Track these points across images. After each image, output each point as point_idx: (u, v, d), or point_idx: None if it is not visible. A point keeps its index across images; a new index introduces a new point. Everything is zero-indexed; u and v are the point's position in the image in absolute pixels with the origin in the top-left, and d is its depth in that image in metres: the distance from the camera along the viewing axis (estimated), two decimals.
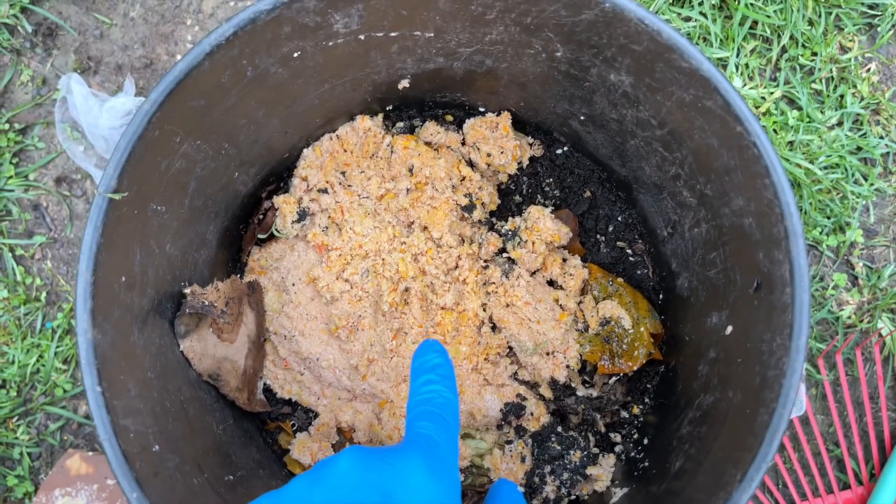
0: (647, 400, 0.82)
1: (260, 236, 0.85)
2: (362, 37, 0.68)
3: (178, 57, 1.11)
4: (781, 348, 0.56)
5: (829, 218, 1.10)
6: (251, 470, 0.73)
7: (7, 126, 1.10)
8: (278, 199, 0.84)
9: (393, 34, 0.69)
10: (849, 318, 1.10)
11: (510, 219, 0.86)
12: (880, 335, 1.06)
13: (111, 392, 0.54)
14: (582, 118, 0.79)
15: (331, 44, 0.66)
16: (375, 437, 0.81)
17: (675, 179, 0.71)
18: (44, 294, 1.07)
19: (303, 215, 0.84)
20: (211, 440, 0.69)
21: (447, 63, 0.76)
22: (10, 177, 1.09)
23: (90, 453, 0.99)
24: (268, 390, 0.85)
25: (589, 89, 0.72)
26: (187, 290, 0.71)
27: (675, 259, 0.79)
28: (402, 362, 0.81)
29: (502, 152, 0.86)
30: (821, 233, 1.10)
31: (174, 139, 0.61)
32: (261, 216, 0.85)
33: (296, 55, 0.65)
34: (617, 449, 0.81)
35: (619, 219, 0.88)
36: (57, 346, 1.05)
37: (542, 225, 0.83)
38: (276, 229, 0.85)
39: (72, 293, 1.08)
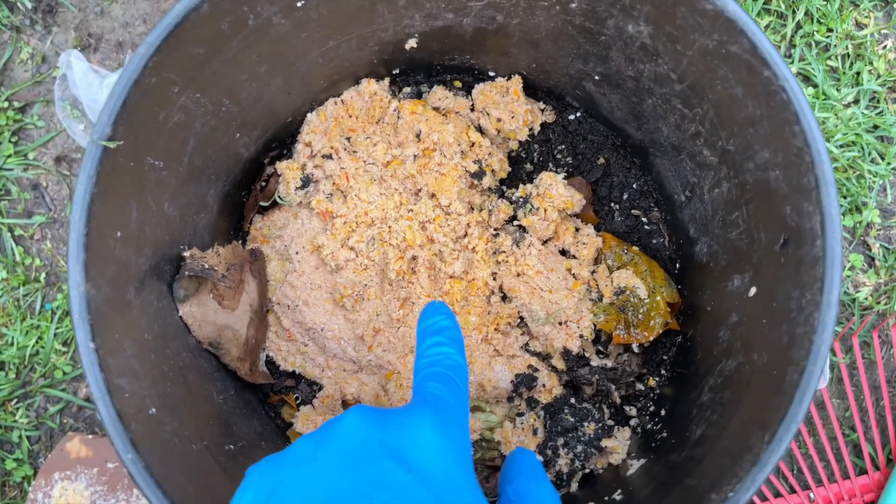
0: (663, 371, 0.79)
1: (262, 203, 0.82)
2: None
3: None
4: (812, 304, 0.53)
5: (845, 198, 1.07)
6: (253, 441, 0.70)
7: (6, 104, 1.08)
8: (281, 165, 0.81)
9: None
10: (865, 299, 1.07)
11: (521, 186, 0.84)
12: None
13: (105, 349, 0.51)
14: (597, 78, 0.76)
15: None
16: None
17: (694, 138, 0.68)
18: (43, 275, 1.05)
19: (306, 182, 0.82)
20: (211, 408, 0.67)
21: (457, 19, 0.73)
22: (10, 156, 1.07)
23: (90, 436, 0.96)
24: (271, 362, 0.82)
25: (605, 44, 0.69)
26: (187, 254, 0.68)
27: (692, 224, 0.76)
28: (408, 332, 0.78)
29: (513, 117, 0.83)
30: None
31: (172, 88, 0.58)
32: (263, 182, 0.82)
33: (299, 4, 0.63)
34: (632, 422, 0.78)
35: (634, 186, 0.85)
36: (56, 328, 1.03)
37: (555, 191, 0.80)
38: (278, 196, 0.82)
39: None
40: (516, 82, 0.83)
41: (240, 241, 0.81)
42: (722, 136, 0.64)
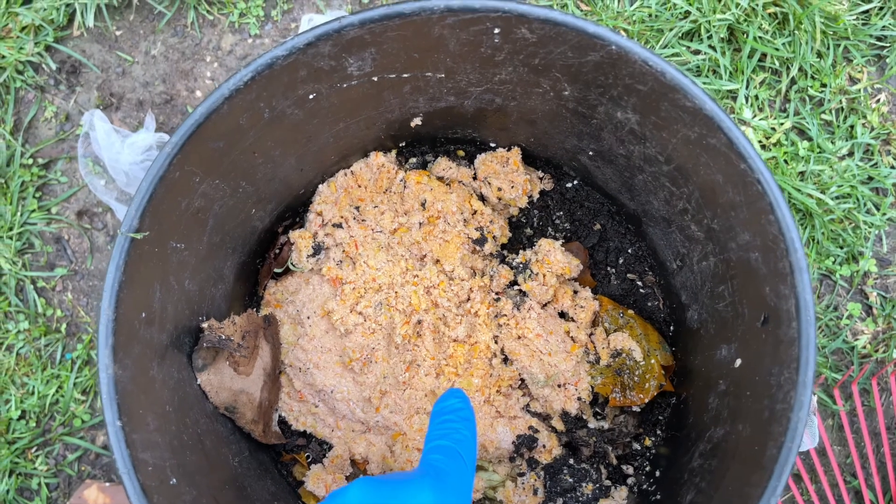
0: (658, 432, 0.82)
1: (276, 270, 0.87)
2: (375, 78, 0.70)
3: (198, 93, 1.14)
4: (789, 382, 0.56)
5: (841, 248, 1.10)
6: (266, 502, 0.74)
7: (31, 161, 1.12)
8: (294, 234, 0.86)
9: (405, 75, 0.71)
10: (864, 347, 1.09)
11: (521, 251, 0.88)
12: None
13: (131, 426, 0.55)
14: (591, 153, 0.81)
15: (345, 85, 0.69)
16: (388, 470, 0.82)
17: (682, 213, 0.73)
18: (64, 325, 1.09)
19: (318, 249, 0.86)
20: (227, 473, 0.71)
21: (458, 101, 0.78)
22: (34, 210, 1.12)
23: (107, 484, 1.00)
24: (283, 422, 0.86)
25: (597, 126, 0.74)
26: (205, 325, 0.72)
27: (684, 291, 0.80)
28: (414, 394, 0.82)
29: (513, 186, 0.87)
30: (834, 262, 1.10)
31: (194, 179, 0.63)
32: (277, 251, 0.87)
33: (311, 97, 0.68)
34: (629, 481, 0.81)
35: (629, 251, 0.89)
36: (76, 377, 1.07)
37: (553, 257, 0.85)
38: (291, 263, 0.87)
39: (91, 324, 1.10)
40: (515, 153, 0.88)
41: (255, 307, 0.86)
42: (707, 215, 0.68)
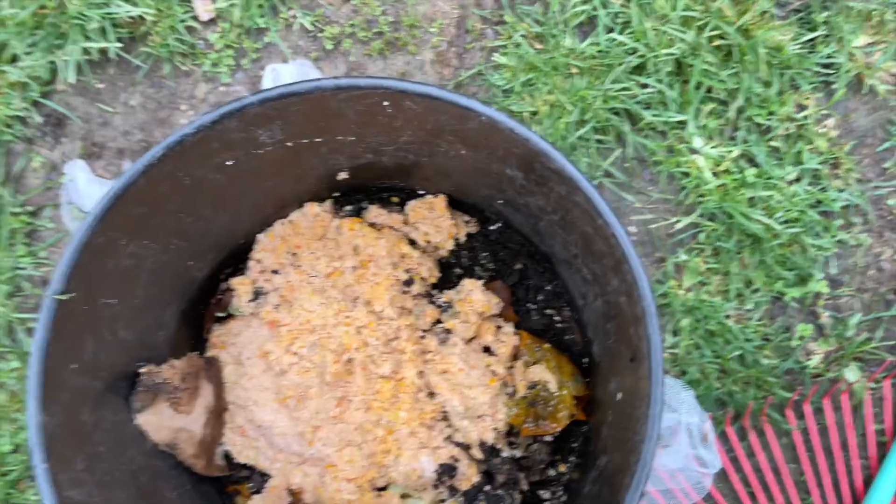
0: (571, 458, 0.88)
1: (219, 315, 0.94)
2: (290, 143, 0.77)
3: None
4: (644, 416, 0.62)
5: (791, 270, 1.13)
6: None
7: (20, 209, 1.20)
8: (234, 281, 0.94)
9: (318, 140, 0.79)
10: (815, 367, 1.13)
11: (445, 291, 0.95)
12: (848, 383, 1.09)
13: (57, 467, 0.63)
14: (501, 202, 0.88)
15: (261, 151, 0.76)
16: (321, 499, 0.89)
17: (575, 258, 0.79)
18: None
19: (257, 294, 0.94)
20: None
21: (376, 158, 0.86)
22: (23, 255, 1.19)
23: None
24: (228, 455, 0.93)
25: (496, 179, 0.81)
26: (143, 370, 0.80)
27: (589, 327, 0.86)
28: (345, 428, 0.89)
29: (438, 230, 0.94)
30: (785, 285, 1.13)
31: (120, 242, 0.71)
32: (219, 297, 0.94)
33: (229, 163, 0.75)
34: None
35: (548, 288, 0.96)
36: None
37: (474, 296, 0.91)
38: (232, 308, 0.94)
39: None
40: (440, 200, 0.95)
41: (197, 351, 0.93)
42: (589, 261, 0.74)
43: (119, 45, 1.18)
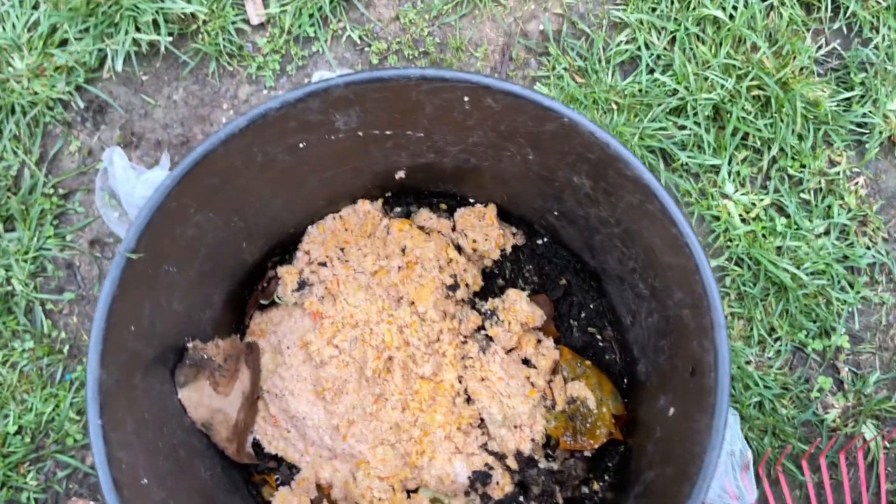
0: (606, 477, 0.87)
1: (263, 302, 0.94)
2: (361, 133, 0.78)
3: None
4: (706, 427, 0.62)
5: (814, 322, 1.14)
6: None
7: (52, 191, 1.20)
8: (282, 270, 0.94)
9: (388, 132, 0.79)
10: (833, 421, 1.12)
11: (490, 299, 0.95)
12: (864, 440, 1.09)
13: (110, 425, 0.62)
14: (556, 213, 0.88)
15: (332, 138, 0.77)
16: (350, 496, 0.88)
17: (632, 273, 0.79)
18: (66, 347, 1.15)
19: (302, 285, 0.94)
20: (197, 483, 0.76)
21: (437, 159, 0.86)
22: (50, 237, 1.19)
23: (92, 503, 1.04)
24: (256, 444, 0.92)
25: (558, 188, 0.81)
26: (189, 345, 0.80)
27: (636, 346, 0.86)
28: (380, 426, 0.88)
29: (486, 239, 0.95)
30: (807, 336, 1.14)
31: (189, 210, 0.71)
32: (265, 284, 0.94)
33: (301, 145, 0.76)
34: None
35: (591, 306, 0.96)
36: (73, 398, 1.12)
37: (519, 307, 0.91)
38: (277, 296, 0.94)
39: None
40: (491, 209, 0.96)
41: (239, 335, 0.93)
42: (650, 275, 0.75)
43: (170, 38, 1.19)
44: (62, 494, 1.12)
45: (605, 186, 0.73)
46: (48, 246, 1.19)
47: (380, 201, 0.98)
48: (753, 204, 1.18)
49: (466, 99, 0.71)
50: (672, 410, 0.72)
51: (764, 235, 1.16)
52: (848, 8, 1.25)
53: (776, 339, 1.15)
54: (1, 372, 1.14)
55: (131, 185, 1.15)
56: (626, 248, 0.78)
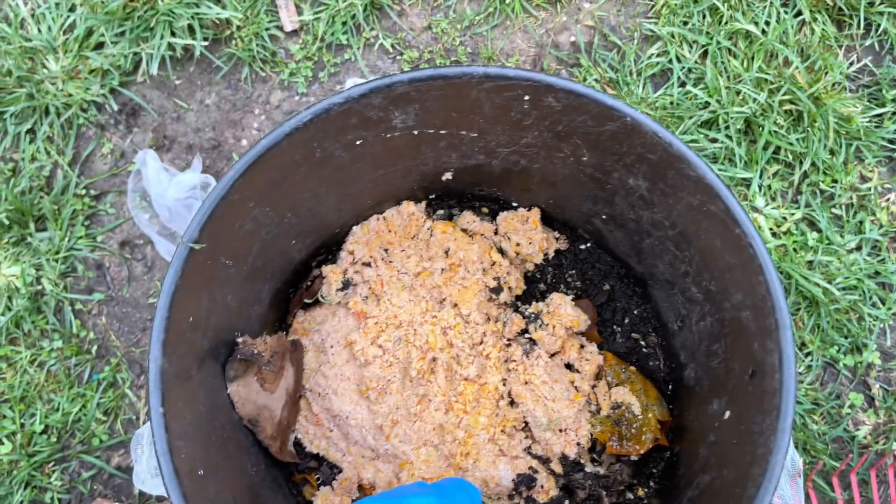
0: (651, 483, 0.87)
1: (306, 300, 0.94)
2: (416, 132, 0.79)
3: (244, 142, 1.24)
4: (770, 428, 0.62)
5: (846, 338, 1.14)
6: None
7: (84, 192, 1.20)
8: (326, 269, 0.94)
9: (442, 132, 0.80)
10: (864, 438, 1.12)
11: (534, 303, 0.95)
12: (895, 458, 1.08)
13: (171, 414, 0.62)
14: (604, 217, 0.88)
15: (389, 136, 0.77)
16: None
17: (684, 276, 0.79)
18: (95, 348, 1.15)
19: (346, 285, 0.94)
20: (245, 479, 0.76)
21: (487, 160, 0.87)
22: (81, 237, 1.19)
23: None
24: (298, 444, 0.91)
25: (611, 191, 0.82)
26: (240, 339, 0.79)
27: (683, 351, 0.85)
28: (423, 427, 0.88)
29: (530, 243, 0.95)
30: (838, 351, 1.13)
31: (248, 204, 0.71)
32: (309, 282, 0.94)
33: (358, 143, 0.76)
34: None
35: (635, 312, 0.96)
36: (100, 398, 1.12)
37: (563, 311, 0.91)
38: (321, 295, 0.94)
39: (121, 348, 1.15)
40: (535, 213, 0.96)
41: (284, 332, 0.93)
42: (706, 277, 0.75)
43: (204, 43, 1.20)
44: (86, 495, 1.11)
45: (662, 188, 0.73)
46: (79, 246, 1.19)
47: (423, 203, 0.98)
48: (784, 218, 1.18)
49: (527, 98, 0.71)
50: (728, 414, 0.72)
51: (795, 249, 1.16)
52: (880, 25, 1.25)
53: (807, 355, 1.15)
54: (29, 371, 1.14)
55: (163, 187, 1.16)
56: (680, 251, 0.78)
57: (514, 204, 0.98)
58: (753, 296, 0.66)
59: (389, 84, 0.69)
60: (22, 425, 1.12)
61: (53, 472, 1.12)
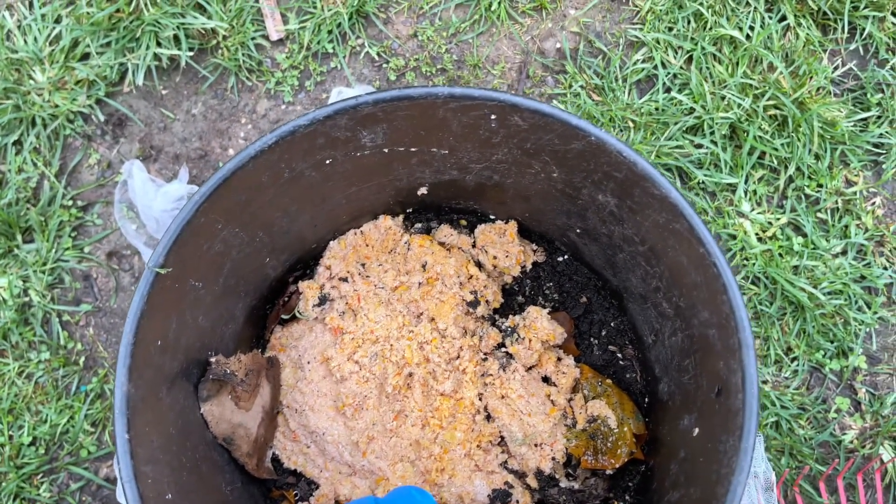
0: (627, 497, 0.87)
1: (283, 316, 0.94)
2: (386, 150, 0.79)
3: (231, 151, 1.24)
4: (733, 448, 0.62)
5: (832, 342, 1.14)
6: None
7: (71, 203, 1.21)
8: (303, 284, 0.94)
9: (413, 149, 0.80)
10: (851, 442, 1.11)
11: (511, 316, 0.95)
12: (882, 462, 1.08)
13: (136, 440, 0.62)
14: (578, 231, 0.89)
15: (358, 154, 0.77)
16: None
17: (656, 291, 0.79)
18: (82, 359, 1.15)
19: (323, 300, 0.94)
20: (219, 498, 0.76)
21: (460, 175, 0.87)
22: (68, 248, 1.19)
23: None
24: (275, 460, 0.92)
25: (582, 206, 0.82)
26: (213, 359, 0.80)
27: (657, 365, 0.86)
28: (400, 442, 0.88)
29: (507, 256, 0.95)
30: (824, 356, 1.13)
31: (216, 226, 0.71)
32: (286, 298, 0.94)
33: (328, 162, 0.77)
34: None
35: (612, 324, 0.96)
36: (88, 409, 1.12)
37: (539, 324, 0.91)
38: (298, 311, 0.94)
39: (109, 359, 1.16)
40: (512, 226, 0.96)
41: (260, 349, 0.93)
42: (675, 294, 0.75)
43: (190, 53, 1.20)
44: None
45: (630, 205, 0.73)
46: (66, 257, 1.20)
47: (401, 217, 0.98)
48: (770, 223, 1.17)
49: (493, 117, 0.71)
50: (697, 431, 0.72)
51: (780, 254, 1.16)
52: (864, 29, 1.25)
53: (793, 359, 1.15)
54: (17, 383, 1.15)
55: (150, 198, 1.16)
56: (651, 266, 0.78)
57: (492, 216, 0.98)
58: (718, 314, 0.66)
59: (355, 105, 0.69)
60: (10, 437, 1.12)
61: (42, 483, 1.13)
